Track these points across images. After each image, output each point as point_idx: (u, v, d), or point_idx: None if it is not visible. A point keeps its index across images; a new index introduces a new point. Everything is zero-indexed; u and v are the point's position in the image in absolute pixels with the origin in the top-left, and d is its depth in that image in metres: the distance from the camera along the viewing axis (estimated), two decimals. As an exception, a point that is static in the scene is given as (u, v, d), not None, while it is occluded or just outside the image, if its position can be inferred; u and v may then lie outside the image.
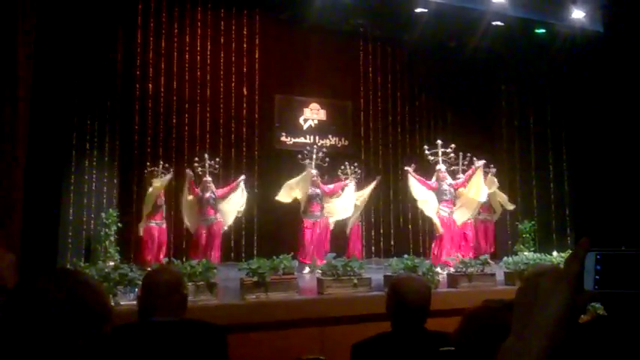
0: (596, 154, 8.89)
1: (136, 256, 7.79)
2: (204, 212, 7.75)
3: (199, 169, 7.99)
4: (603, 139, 8.79)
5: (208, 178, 7.90)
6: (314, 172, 7.96)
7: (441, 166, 7.86)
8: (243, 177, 8.21)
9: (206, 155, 8.15)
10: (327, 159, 8.34)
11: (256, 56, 10.10)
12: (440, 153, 7.99)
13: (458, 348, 1.58)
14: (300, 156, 8.33)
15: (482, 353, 1.45)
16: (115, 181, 8.64)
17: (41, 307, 0.99)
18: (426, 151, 7.99)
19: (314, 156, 8.16)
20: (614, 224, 8.03)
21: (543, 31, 9.24)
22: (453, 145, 8.11)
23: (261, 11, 10.09)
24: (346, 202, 8.22)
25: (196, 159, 8.12)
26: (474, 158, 8.07)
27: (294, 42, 10.25)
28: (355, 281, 5.11)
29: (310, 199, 7.91)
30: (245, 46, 10.07)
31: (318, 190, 7.96)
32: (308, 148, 8.48)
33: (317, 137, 10.41)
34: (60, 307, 1.16)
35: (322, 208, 7.99)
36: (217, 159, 8.21)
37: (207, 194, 7.79)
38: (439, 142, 8.10)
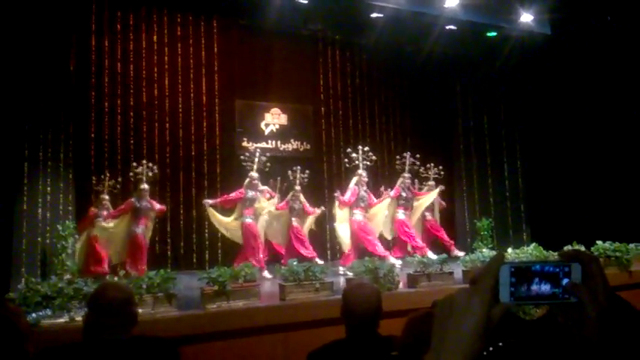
0: (548, 151, 9.27)
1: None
2: (139, 222, 7.48)
3: (139, 175, 7.66)
4: (554, 136, 9.18)
5: (145, 187, 7.60)
6: (254, 175, 7.88)
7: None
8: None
9: (144, 161, 7.83)
10: (269, 163, 8.21)
11: (215, 62, 10.00)
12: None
13: (402, 353, 1.64)
14: (242, 157, 8.22)
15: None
16: (71, 191, 8.37)
17: None
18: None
19: (256, 159, 8.05)
20: (566, 218, 8.39)
21: (494, 34, 9.56)
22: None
23: (220, 16, 10.00)
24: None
25: (134, 164, 7.80)
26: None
27: (254, 47, 10.22)
28: (317, 286, 5.14)
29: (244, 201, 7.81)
30: (204, 51, 9.97)
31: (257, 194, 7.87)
32: (247, 153, 8.33)
33: (279, 142, 10.42)
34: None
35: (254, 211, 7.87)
36: (153, 165, 7.87)
37: (144, 203, 7.52)
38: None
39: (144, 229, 7.57)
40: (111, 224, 7.47)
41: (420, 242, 8.37)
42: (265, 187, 8.20)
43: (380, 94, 11.35)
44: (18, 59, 7.02)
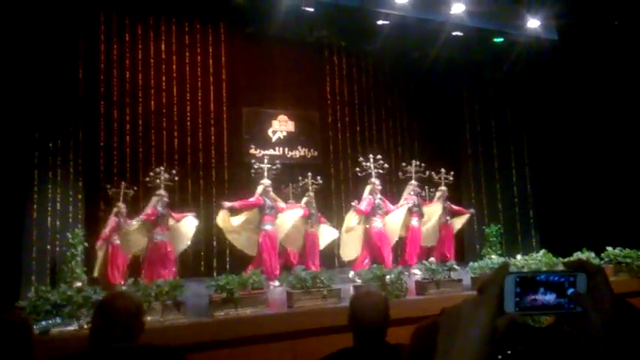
0: (556, 156, 9.22)
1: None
2: (159, 229, 7.27)
3: (157, 181, 7.50)
4: (562, 141, 9.12)
5: (163, 192, 7.42)
6: (267, 182, 7.74)
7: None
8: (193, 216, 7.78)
9: (161, 168, 7.69)
10: (274, 171, 8.07)
11: (223, 69, 10.10)
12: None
13: (410, 362, 1.63)
14: (253, 169, 8.05)
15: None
16: (80, 199, 8.43)
17: None
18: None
19: (264, 167, 7.95)
20: (576, 224, 8.32)
21: (501, 39, 9.53)
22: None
23: (226, 25, 10.11)
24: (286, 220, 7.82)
25: (151, 173, 7.64)
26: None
27: (260, 54, 10.31)
28: (325, 293, 5.13)
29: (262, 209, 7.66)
30: (211, 59, 10.06)
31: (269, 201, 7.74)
32: (254, 161, 8.23)
33: (286, 149, 10.46)
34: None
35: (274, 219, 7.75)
36: (173, 171, 7.77)
37: (164, 209, 7.36)
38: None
39: (169, 236, 7.42)
40: (135, 224, 7.34)
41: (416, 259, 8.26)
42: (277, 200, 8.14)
43: (386, 100, 11.38)
44: (27, 67, 7.11)
